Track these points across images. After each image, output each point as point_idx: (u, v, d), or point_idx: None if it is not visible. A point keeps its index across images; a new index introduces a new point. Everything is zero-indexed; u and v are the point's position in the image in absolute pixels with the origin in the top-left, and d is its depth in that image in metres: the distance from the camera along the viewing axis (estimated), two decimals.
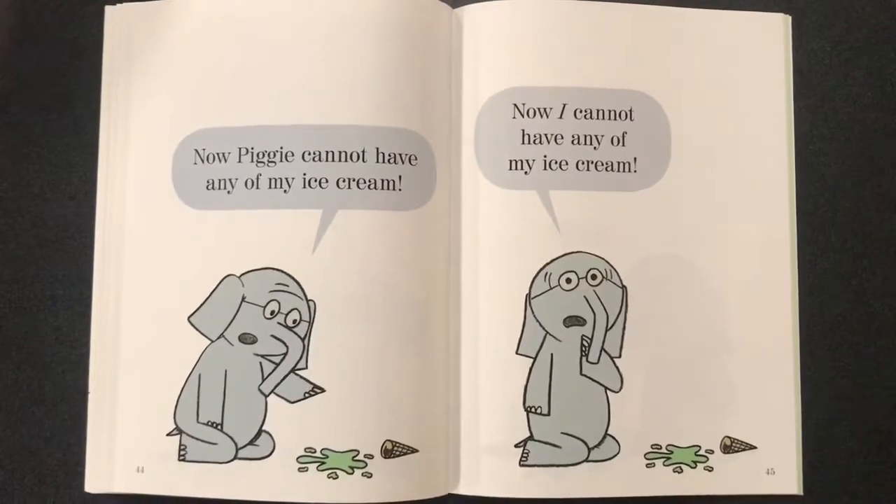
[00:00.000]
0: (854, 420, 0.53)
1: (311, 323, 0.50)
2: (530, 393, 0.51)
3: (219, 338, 0.50)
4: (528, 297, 0.51)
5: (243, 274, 0.51)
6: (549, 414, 0.50)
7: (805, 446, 0.52)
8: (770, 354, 0.52)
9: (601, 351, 0.51)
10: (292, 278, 0.50)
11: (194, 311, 0.51)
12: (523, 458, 0.50)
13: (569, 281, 0.51)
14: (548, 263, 0.51)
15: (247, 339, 0.50)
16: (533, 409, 0.50)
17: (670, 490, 0.51)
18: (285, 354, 0.50)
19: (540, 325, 0.51)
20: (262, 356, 0.50)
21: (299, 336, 0.50)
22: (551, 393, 0.51)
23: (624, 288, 0.52)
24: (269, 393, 0.50)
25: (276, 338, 0.50)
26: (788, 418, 0.52)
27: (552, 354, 0.51)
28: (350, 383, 0.50)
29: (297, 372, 0.50)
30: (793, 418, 0.52)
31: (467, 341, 0.51)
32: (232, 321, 0.50)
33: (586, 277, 0.51)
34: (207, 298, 0.51)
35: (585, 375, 0.51)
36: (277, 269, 0.50)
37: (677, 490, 0.51)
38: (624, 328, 0.51)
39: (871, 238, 0.54)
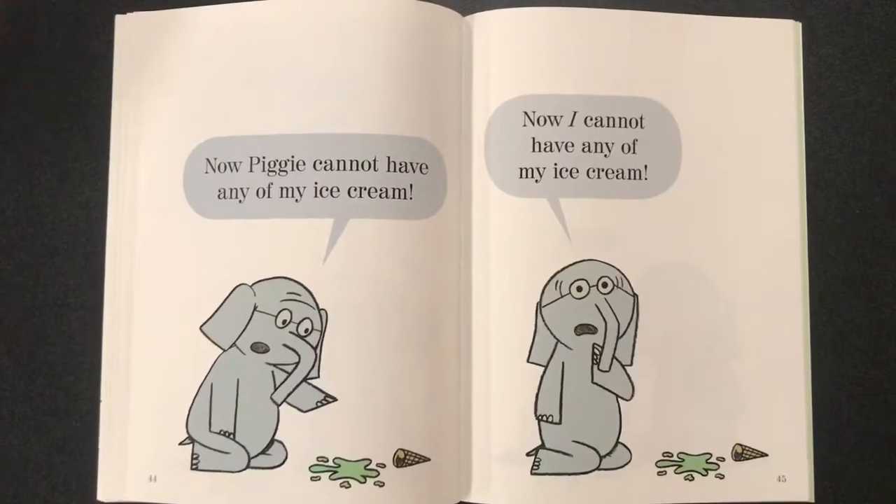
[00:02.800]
0: (865, 427, 0.53)
1: (322, 332, 0.50)
2: (541, 401, 0.51)
3: (231, 347, 0.50)
4: (539, 306, 0.51)
5: (255, 283, 0.51)
6: (560, 422, 0.50)
7: (816, 453, 0.52)
8: (781, 361, 0.52)
9: (612, 359, 0.51)
10: (304, 287, 0.50)
11: (206, 321, 0.51)
12: (535, 467, 0.50)
13: (579, 289, 0.51)
14: (558, 272, 0.51)
15: (259, 347, 0.50)
16: (544, 418, 0.50)
17: (681, 498, 0.51)
18: (297, 364, 0.50)
19: (551, 333, 0.51)
20: (275, 365, 0.50)
21: (311, 345, 0.50)
22: (562, 401, 0.51)
23: (635, 296, 0.51)
24: (282, 402, 0.50)
25: (288, 347, 0.50)
26: (799, 425, 0.52)
27: (563, 363, 0.51)
28: (362, 392, 0.50)
29: (310, 381, 0.50)
30: (804, 425, 0.52)
31: (478, 350, 0.51)
32: (244, 330, 0.50)
33: (597, 285, 0.51)
34: (219, 307, 0.51)
35: (597, 384, 0.51)
36: (289, 279, 0.50)
37: (688, 498, 0.51)
38: (635, 336, 0.51)
39: (881, 244, 0.54)
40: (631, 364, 0.51)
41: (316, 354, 0.50)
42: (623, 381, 0.51)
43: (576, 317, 0.51)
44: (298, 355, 0.50)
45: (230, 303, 0.51)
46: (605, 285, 0.51)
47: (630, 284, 0.51)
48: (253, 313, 0.50)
